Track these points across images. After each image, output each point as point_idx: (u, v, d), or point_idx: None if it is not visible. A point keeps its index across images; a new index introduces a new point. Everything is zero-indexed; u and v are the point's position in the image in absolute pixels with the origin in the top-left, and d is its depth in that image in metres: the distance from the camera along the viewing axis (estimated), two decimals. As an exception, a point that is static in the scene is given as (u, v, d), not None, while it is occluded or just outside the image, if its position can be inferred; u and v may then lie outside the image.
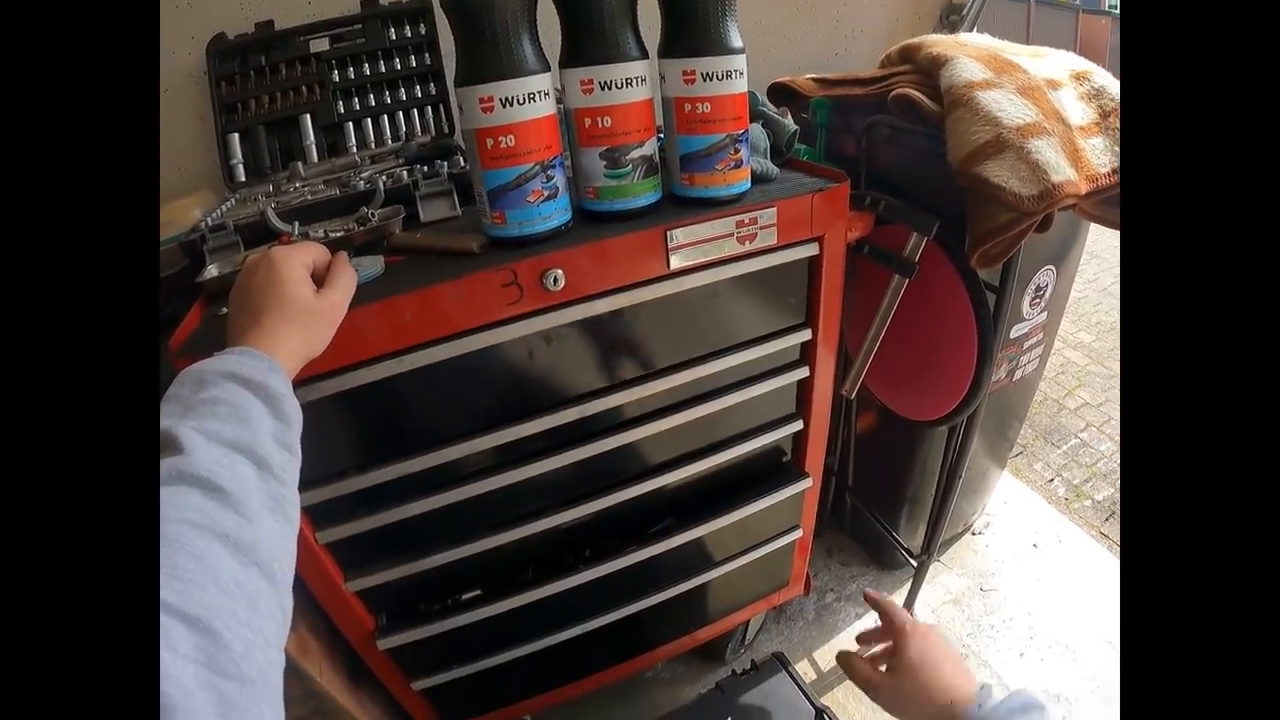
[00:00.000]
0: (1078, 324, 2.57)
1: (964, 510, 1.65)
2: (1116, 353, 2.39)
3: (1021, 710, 0.66)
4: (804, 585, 1.36)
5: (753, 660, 1.19)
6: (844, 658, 0.87)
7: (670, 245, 0.81)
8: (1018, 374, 1.37)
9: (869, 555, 1.69)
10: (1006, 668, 1.45)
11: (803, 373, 1.01)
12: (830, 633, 1.52)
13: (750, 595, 1.29)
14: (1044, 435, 2.18)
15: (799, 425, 1.06)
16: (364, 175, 1.02)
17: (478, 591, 1.03)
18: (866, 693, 0.80)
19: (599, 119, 0.78)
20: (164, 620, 0.34)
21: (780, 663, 1.19)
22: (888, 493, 1.50)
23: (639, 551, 1.03)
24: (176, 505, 0.41)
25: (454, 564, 0.94)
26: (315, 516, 0.85)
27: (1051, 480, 2.03)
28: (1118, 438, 2.10)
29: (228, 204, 1.08)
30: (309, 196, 0.98)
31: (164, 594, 0.35)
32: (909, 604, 1.43)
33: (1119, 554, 1.70)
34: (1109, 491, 1.92)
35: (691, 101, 0.80)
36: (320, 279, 0.66)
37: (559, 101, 0.80)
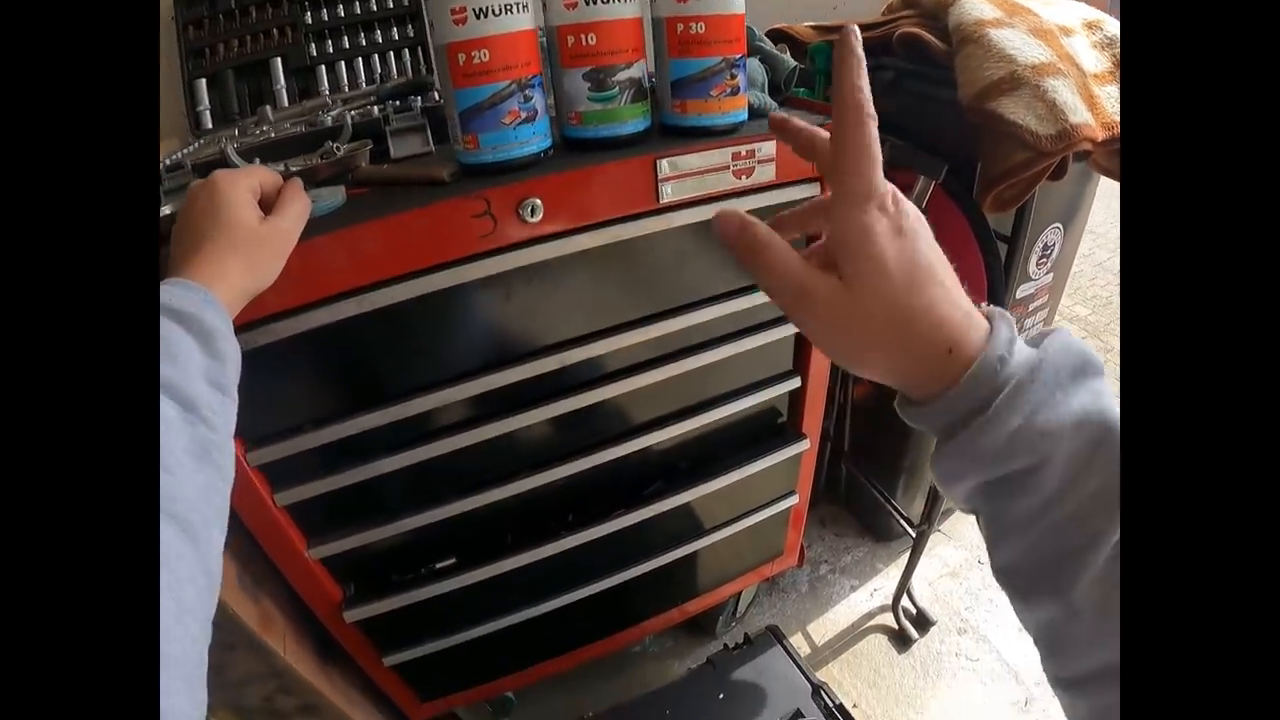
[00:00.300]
0: (1073, 298, 2.51)
1: (963, 483, 1.59)
2: (1113, 327, 2.33)
3: (1072, 374, 0.33)
4: (798, 557, 1.30)
5: (746, 634, 1.13)
6: (749, 230, 0.37)
7: (660, 176, 0.73)
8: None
9: (863, 526, 1.63)
10: (1006, 642, 1.40)
11: (800, 326, 0.93)
12: (825, 606, 1.46)
13: (742, 566, 1.22)
14: (1041, 407, 2.11)
15: (797, 382, 0.98)
16: (332, 114, 0.94)
17: (452, 560, 0.95)
18: (789, 307, 0.38)
19: (583, 36, 0.70)
20: None
21: (775, 636, 1.13)
22: (885, 462, 1.43)
23: (627, 516, 0.96)
24: None
25: (426, 529, 0.86)
26: (273, 476, 0.78)
27: (1049, 453, 1.95)
28: (1116, 412, 2.04)
29: (190, 148, 0.99)
30: (273, 134, 0.90)
31: None
32: (907, 576, 1.36)
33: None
34: (1108, 465, 1.87)
35: (685, 21, 0.72)
36: (271, 207, 0.59)
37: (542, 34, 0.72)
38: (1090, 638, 0.33)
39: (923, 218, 0.36)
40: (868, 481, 1.44)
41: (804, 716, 0.99)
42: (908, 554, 1.35)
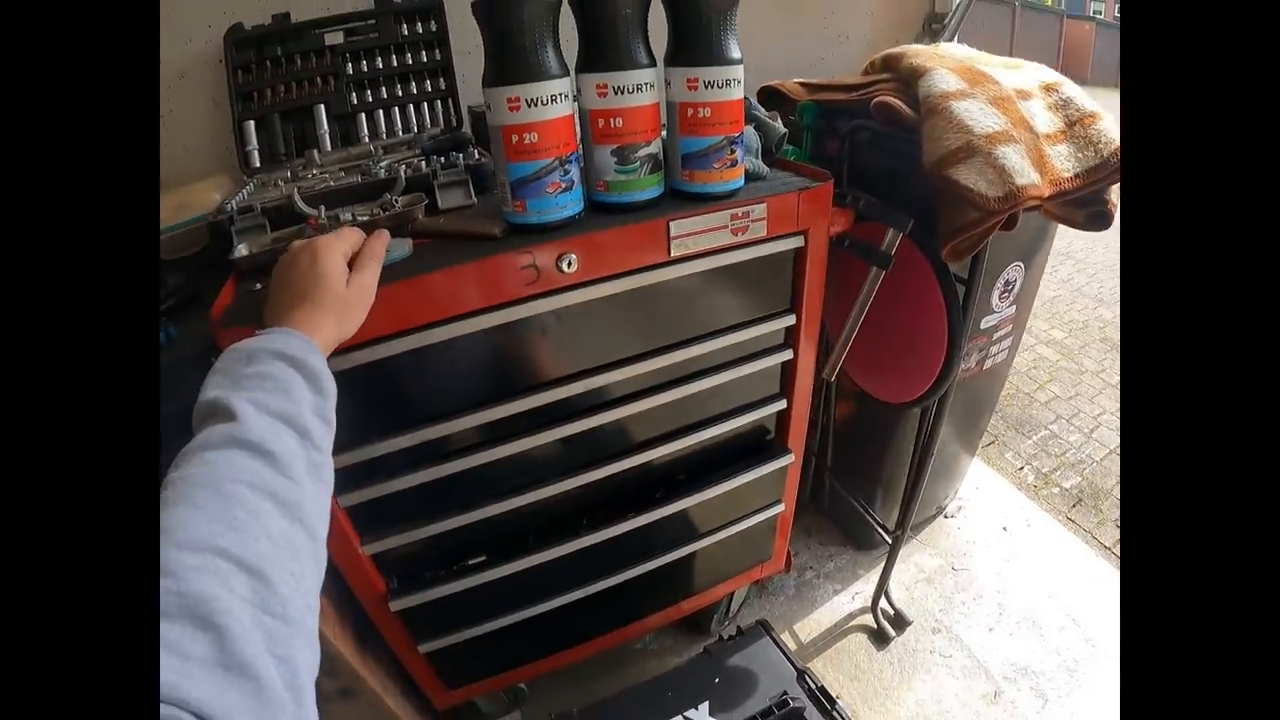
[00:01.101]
0: (1051, 322, 2.76)
1: (937, 494, 1.79)
2: (1087, 349, 2.56)
3: None
4: (785, 562, 1.48)
5: (738, 626, 1.31)
6: None
7: (671, 235, 0.92)
8: (988, 363, 1.51)
9: (846, 536, 1.83)
10: (976, 641, 1.58)
11: (786, 355, 1.12)
12: (810, 607, 1.65)
13: (734, 569, 1.41)
14: (1015, 426, 2.34)
15: (783, 404, 1.18)
16: (383, 164, 1.12)
17: (483, 557, 1.13)
18: None
19: (611, 120, 0.89)
20: (225, 565, 0.41)
21: (764, 629, 1.31)
22: (865, 475, 1.63)
23: (635, 520, 1.14)
24: (233, 466, 0.47)
25: (462, 529, 1.04)
26: (336, 481, 0.94)
27: (1022, 468, 2.18)
28: (1086, 430, 2.26)
29: (248, 188, 1.17)
30: (331, 183, 1.08)
31: (224, 542, 0.42)
32: (884, 580, 1.56)
33: (1086, 538, 1.86)
34: (1076, 480, 2.08)
35: (693, 106, 0.91)
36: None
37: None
38: None
39: None
40: (848, 494, 1.63)
41: (789, 697, 1.18)
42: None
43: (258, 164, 1.29)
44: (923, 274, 1.19)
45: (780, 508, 1.32)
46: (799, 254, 1.05)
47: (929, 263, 1.17)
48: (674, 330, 1.03)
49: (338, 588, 1.10)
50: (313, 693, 0.43)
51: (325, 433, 0.59)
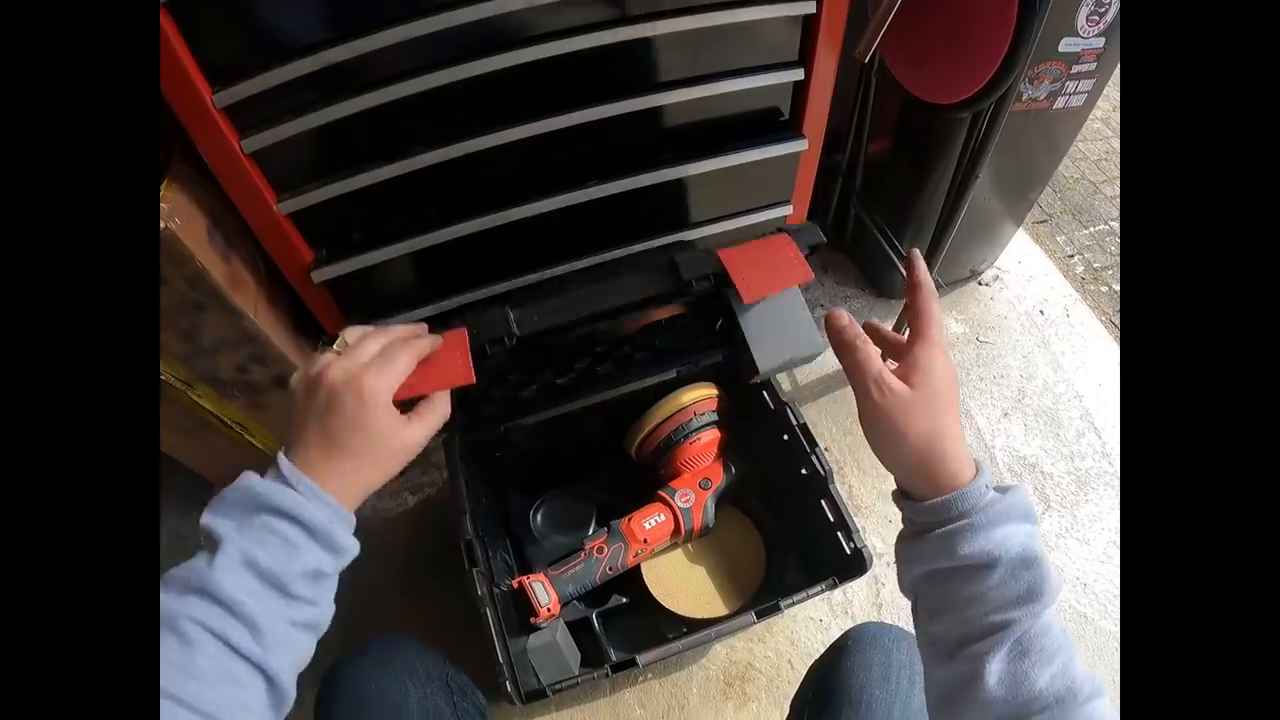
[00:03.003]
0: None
1: (973, 255, 1.66)
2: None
3: (1022, 515, 0.54)
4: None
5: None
6: (850, 331, 0.59)
7: None
8: (1059, 101, 1.28)
9: (866, 278, 1.72)
10: (987, 423, 1.51)
11: (808, 7, 0.93)
12: (813, 347, 1.57)
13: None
14: (1073, 211, 2.17)
15: (799, 74, 0.99)
16: None
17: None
18: (865, 392, 0.56)
19: None
20: (182, 714, 0.43)
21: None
22: (895, 211, 1.49)
23: (599, 188, 1.01)
24: (200, 614, 0.47)
25: (397, 184, 0.92)
26: (240, 121, 0.83)
27: (1072, 256, 2.04)
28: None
29: None
30: None
31: (181, 691, 0.43)
32: (897, 327, 1.45)
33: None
34: (1129, 285, 1.95)
35: None
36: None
37: None
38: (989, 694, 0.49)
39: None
40: (873, 223, 1.49)
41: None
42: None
43: None
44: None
45: (786, 209, 1.17)
46: None
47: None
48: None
49: (264, 260, 1.02)
50: None
51: (327, 586, 0.56)
